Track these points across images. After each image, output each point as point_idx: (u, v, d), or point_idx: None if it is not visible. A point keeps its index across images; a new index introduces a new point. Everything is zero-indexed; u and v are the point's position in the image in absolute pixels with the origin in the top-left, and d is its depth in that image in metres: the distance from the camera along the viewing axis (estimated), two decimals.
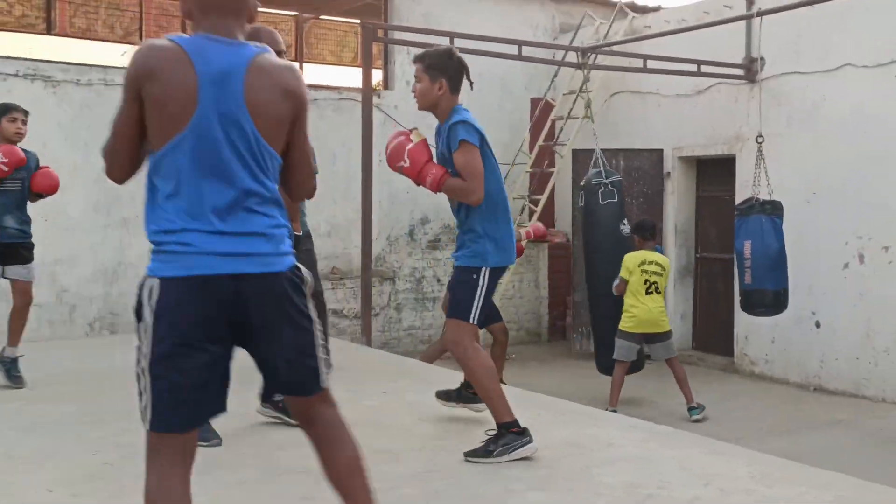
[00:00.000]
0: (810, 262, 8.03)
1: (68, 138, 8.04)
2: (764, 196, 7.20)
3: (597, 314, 8.04)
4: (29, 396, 5.25)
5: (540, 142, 10.26)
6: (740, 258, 7.08)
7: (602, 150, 8.13)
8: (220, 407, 2.33)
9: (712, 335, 9.50)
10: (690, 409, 7.13)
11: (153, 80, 2.18)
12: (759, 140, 7.21)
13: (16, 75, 7.83)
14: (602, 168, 7.94)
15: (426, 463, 3.92)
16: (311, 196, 2.80)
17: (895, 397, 7.52)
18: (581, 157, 9.40)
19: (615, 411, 7.04)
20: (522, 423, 3.98)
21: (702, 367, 9.06)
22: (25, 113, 5.59)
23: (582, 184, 8.22)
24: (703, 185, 9.78)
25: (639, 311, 7.01)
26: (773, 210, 6.96)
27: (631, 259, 7.12)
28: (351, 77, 11.15)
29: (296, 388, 2.42)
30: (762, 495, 3.52)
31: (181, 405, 2.23)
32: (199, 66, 2.19)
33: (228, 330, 2.24)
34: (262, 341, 2.29)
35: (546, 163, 10.28)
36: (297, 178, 2.49)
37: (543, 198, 10.04)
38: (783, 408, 7.50)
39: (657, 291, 7.07)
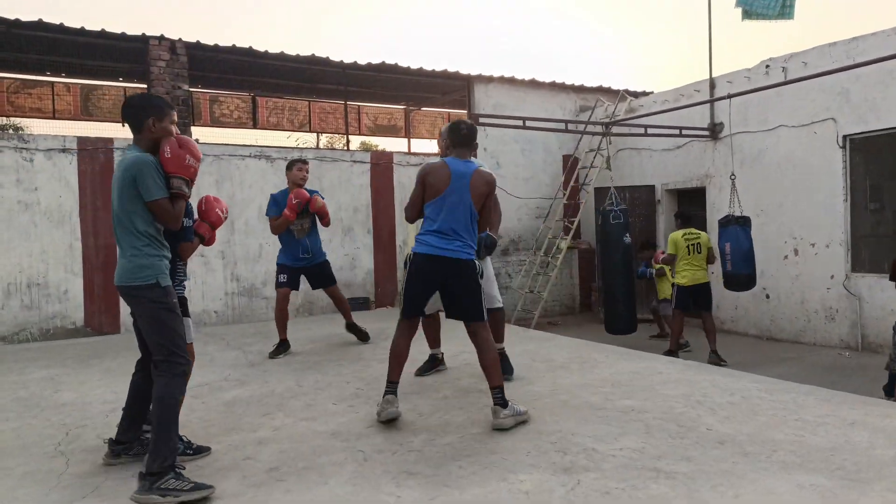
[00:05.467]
0: (761, 255, 8.11)
1: None
2: (737, 213, 7.03)
3: (608, 294, 7.65)
4: (289, 351, 5.37)
5: (572, 183, 10.37)
6: (722, 254, 6.84)
7: (614, 187, 8.17)
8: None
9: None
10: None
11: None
12: (732, 177, 7.19)
13: (249, 156, 8.19)
14: (615, 200, 7.80)
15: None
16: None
17: (822, 342, 7.56)
18: (598, 193, 9.56)
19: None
20: (598, 360, 4.13)
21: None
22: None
23: (601, 210, 7.99)
24: (683, 207, 9.66)
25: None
26: (744, 223, 6.80)
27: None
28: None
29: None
30: (770, 398, 3.65)
31: None
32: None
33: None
34: None
35: (577, 197, 10.41)
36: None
37: (576, 220, 10.13)
38: (753, 349, 7.38)
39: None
